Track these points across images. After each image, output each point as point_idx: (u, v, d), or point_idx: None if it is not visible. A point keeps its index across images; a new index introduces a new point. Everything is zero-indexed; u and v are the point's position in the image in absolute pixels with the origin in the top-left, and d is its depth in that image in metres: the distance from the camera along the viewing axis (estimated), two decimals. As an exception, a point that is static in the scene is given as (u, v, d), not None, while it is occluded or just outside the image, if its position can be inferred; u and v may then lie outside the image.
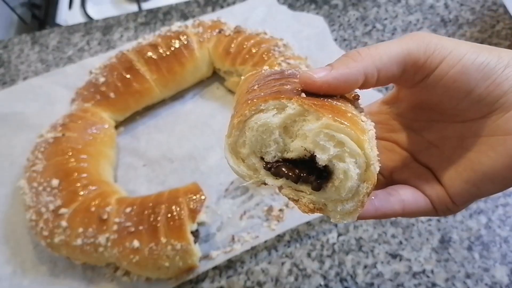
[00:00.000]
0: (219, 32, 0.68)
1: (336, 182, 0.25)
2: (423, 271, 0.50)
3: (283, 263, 0.53)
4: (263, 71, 0.32)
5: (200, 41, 0.67)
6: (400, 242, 0.53)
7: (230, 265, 0.54)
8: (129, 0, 0.98)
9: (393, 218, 0.54)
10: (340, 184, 0.25)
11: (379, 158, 0.25)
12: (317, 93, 0.27)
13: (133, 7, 0.95)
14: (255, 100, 0.27)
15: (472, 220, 0.53)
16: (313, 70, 0.26)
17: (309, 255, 0.54)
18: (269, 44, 0.64)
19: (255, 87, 0.29)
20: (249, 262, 0.54)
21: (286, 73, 0.30)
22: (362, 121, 0.26)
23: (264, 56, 0.63)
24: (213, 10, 0.82)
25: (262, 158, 0.28)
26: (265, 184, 0.28)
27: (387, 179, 0.34)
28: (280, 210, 0.56)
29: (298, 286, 0.52)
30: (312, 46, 0.71)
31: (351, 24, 0.75)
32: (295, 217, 0.54)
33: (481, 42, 0.67)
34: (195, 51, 0.66)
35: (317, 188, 0.26)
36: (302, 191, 0.27)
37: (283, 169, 0.27)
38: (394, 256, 0.52)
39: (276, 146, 0.27)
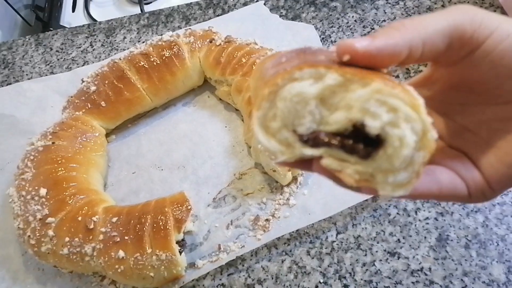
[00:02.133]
0: (210, 41, 0.69)
1: (389, 150, 0.23)
2: (421, 269, 0.51)
3: (283, 261, 0.54)
4: (282, 51, 0.30)
5: (191, 51, 0.68)
6: (398, 240, 0.53)
7: (231, 263, 0.55)
8: (132, 3, 0.99)
9: (390, 217, 0.55)
10: (394, 153, 0.23)
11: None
12: (355, 64, 0.24)
13: (136, 9, 0.96)
14: (288, 69, 0.24)
15: (469, 219, 0.54)
16: (352, 39, 0.24)
17: (308, 253, 0.54)
18: (258, 54, 0.65)
19: (283, 60, 0.27)
20: (249, 260, 0.55)
21: (313, 48, 0.28)
22: (407, 89, 0.23)
23: (254, 66, 0.64)
24: (215, 12, 0.83)
25: (295, 132, 0.25)
26: (298, 164, 0.26)
27: None
28: (267, 220, 0.56)
29: (298, 283, 0.52)
30: None
31: (350, 26, 0.76)
32: (281, 227, 0.55)
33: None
34: (186, 60, 0.67)
35: (366, 155, 0.24)
36: (346, 161, 0.24)
37: (323, 136, 0.24)
38: (392, 254, 0.53)
39: (312, 118, 0.24)
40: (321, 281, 0.52)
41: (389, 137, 0.23)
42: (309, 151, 0.25)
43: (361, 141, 0.24)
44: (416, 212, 0.55)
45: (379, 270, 0.52)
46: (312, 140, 0.25)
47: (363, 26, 0.76)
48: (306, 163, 0.27)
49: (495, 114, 0.28)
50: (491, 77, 0.27)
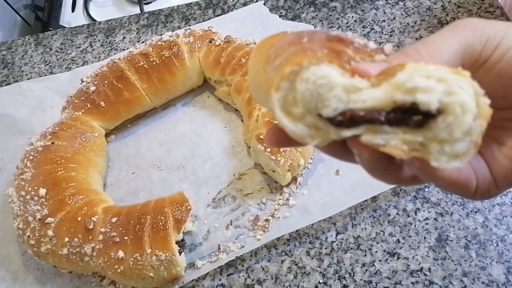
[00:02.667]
0: (210, 42, 0.69)
1: (450, 118, 0.21)
2: (421, 269, 0.51)
3: (282, 261, 0.54)
4: (289, 32, 0.27)
5: (190, 51, 0.68)
6: (398, 241, 0.53)
7: (230, 263, 0.55)
8: (131, 3, 0.99)
9: (390, 217, 0.55)
10: (455, 121, 0.21)
11: None
12: None
13: (135, 9, 0.96)
14: (318, 53, 0.22)
15: (469, 219, 0.54)
16: (368, 65, 0.23)
17: (308, 253, 0.54)
18: None
19: (304, 40, 0.24)
20: (249, 260, 0.55)
21: (333, 33, 0.26)
22: None
23: None
24: (214, 12, 0.83)
25: (320, 116, 0.23)
26: (330, 147, 0.24)
27: None
28: (266, 220, 0.56)
29: (297, 283, 0.52)
30: None
31: (349, 26, 0.76)
32: (280, 228, 0.55)
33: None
34: (185, 61, 0.67)
35: (421, 123, 0.22)
36: (390, 134, 0.23)
37: (362, 113, 0.22)
38: (392, 254, 0.53)
39: (338, 99, 0.22)
40: (321, 281, 0.52)
41: (449, 106, 0.21)
42: (347, 132, 0.23)
43: (409, 117, 0.22)
44: (415, 213, 0.55)
45: (378, 270, 0.52)
46: (348, 120, 0.22)
47: (363, 26, 0.76)
48: (339, 146, 0.25)
49: (503, 115, 0.29)
50: (498, 88, 0.27)
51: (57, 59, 0.82)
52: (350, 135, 0.23)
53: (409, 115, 0.22)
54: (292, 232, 0.56)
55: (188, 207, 0.53)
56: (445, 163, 0.22)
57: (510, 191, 0.55)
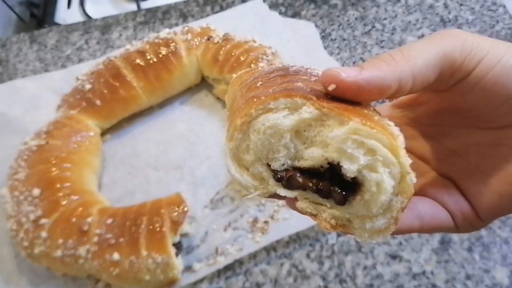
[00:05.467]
0: (208, 39, 0.68)
1: (366, 195, 0.22)
2: (423, 272, 0.50)
3: (282, 264, 0.53)
4: (260, 68, 0.29)
5: (188, 48, 0.67)
6: (400, 243, 0.52)
7: (228, 266, 0.53)
8: (128, -1, 0.98)
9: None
10: (371, 198, 0.22)
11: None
12: (340, 95, 0.23)
13: (132, 6, 0.94)
14: (262, 97, 0.23)
15: (472, 221, 0.53)
16: (339, 68, 0.23)
17: (308, 256, 0.53)
18: (257, 52, 0.64)
19: (258, 84, 0.25)
20: (248, 263, 0.54)
21: (292, 69, 0.27)
22: (388, 125, 0.23)
23: (252, 64, 0.63)
24: (212, 9, 0.82)
25: (268, 166, 0.24)
26: (273, 197, 0.25)
27: None
28: (265, 222, 0.55)
29: (297, 287, 0.51)
30: (302, 54, 0.71)
31: (350, 24, 0.75)
32: (280, 229, 0.54)
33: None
34: (183, 58, 0.66)
35: (342, 201, 0.23)
36: (322, 204, 0.24)
37: (298, 178, 0.23)
38: (393, 257, 0.51)
39: (286, 152, 0.24)
40: (321, 285, 0.51)
41: (366, 181, 0.22)
42: (283, 192, 0.24)
43: (337, 181, 0.23)
44: (418, 214, 0.54)
45: (380, 273, 0.51)
46: (287, 180, 0.24)
47: (364, 24, 0.75)
48: (280, 196, 0.26)
49: (484, 138, 0.27)
50: (482, 104, 0.26)
51: (52, 57, 0.80)
52: (283, 195, 0.24)
53: (335, 187, 0.23)
54: (292, 234, 0.54)
55: (185, 209, 0.52)
56: (368, 238, 0.23)
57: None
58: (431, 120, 0.30)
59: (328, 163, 0.23)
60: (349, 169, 0.22)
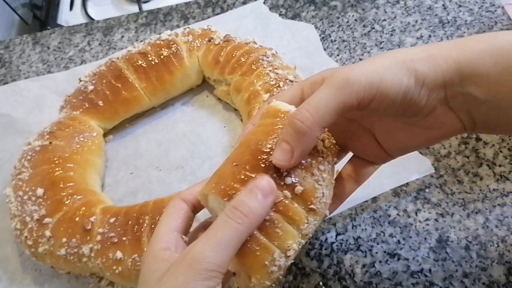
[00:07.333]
0: (209, 40, 0.68)
1: None
2: (421, 270, 0.51)
3: (282, 262, 0.54)
4: (287, 110, 0.35)
5: (189, 50, 0.68)
6: (398, 242, 0.53)
7: (229, 264, 0.54)
8: (130, 1, 0.99)
9: (390, 218, 0.55)
10: None
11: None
12: None
13: (134, 8, 0.95)
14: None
15: (470, 220, 0.53)
16: (278, 156, 0.31)
17: (307, 254, 0.54)
18: (258, 53, 0.65)
19: (234, 164, 0.34)
20: (248, 261, 0.54)
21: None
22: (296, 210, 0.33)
23: (252, 66, 0.63)
24: (213, 11, 0.83)
25: None
26: None
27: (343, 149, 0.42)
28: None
29: (297, 284, 0.52)
30: (302, 55, 0.72)
31: (350, 25, 0.76)
32: None
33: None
34: (184, 60, 0.67)
35: None
36: None
37: None
38: (392, 255, 0.52)
39: None
40: (321, 282, 0.52)
41: None
42: None
43: None
44: (416, 213, 0.55)
45: (379, 271, 0.51)
46: None
47: (363, 25, 0.75)
48: None
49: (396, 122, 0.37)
50: (384, 116, 0.37)
51: (55, 58, 0.81)
52: None
53: None
54: (292, 232, 0.55)
55: None
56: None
57: (510, 192, 0.54)
58: (343, 127, 0.40)
59: None
60: None
